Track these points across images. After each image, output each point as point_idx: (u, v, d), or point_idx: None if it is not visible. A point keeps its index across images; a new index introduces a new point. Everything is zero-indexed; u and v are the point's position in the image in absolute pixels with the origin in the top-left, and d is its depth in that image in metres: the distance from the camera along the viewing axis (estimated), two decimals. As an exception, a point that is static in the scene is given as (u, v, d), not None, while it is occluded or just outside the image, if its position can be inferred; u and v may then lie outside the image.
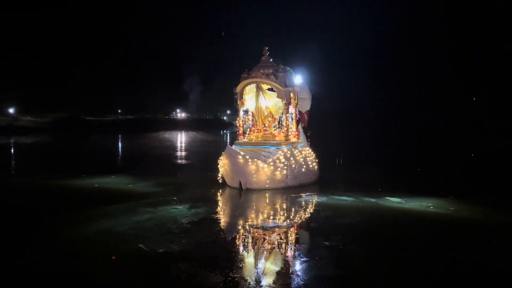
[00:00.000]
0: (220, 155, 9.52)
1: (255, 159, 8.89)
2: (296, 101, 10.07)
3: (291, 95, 9.81)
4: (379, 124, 38.07)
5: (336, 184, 10.17)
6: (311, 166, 9.86)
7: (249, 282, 4.04)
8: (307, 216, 7.06)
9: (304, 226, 6.45)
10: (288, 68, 10.03)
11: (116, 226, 6.02)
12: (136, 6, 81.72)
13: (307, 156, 9.87)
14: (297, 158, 9.47)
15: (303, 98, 10.72)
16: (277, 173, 9.02)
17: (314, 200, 8.26)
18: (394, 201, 8.04)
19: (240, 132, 10.58)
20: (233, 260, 4.69)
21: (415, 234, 5.85)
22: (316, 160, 10.32)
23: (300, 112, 10.62)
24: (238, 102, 10.24)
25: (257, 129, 10.28)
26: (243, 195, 8.60)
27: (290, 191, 8.90)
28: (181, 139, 34.35)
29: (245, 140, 10.20)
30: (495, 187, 10.33)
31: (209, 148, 25.38)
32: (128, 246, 5.09)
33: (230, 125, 71.10)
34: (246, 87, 10.11)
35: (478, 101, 42.84)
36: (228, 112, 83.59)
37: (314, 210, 7.51)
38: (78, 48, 63.49)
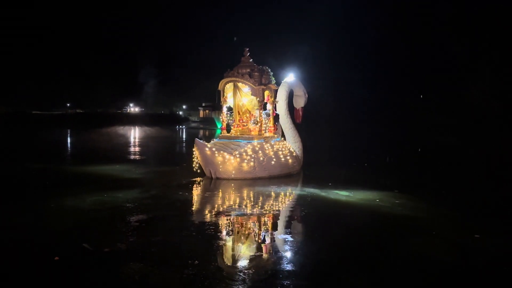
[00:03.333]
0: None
1: (222, 151, 9.77)
2: (273, 99, 10.93)
3: (267, 93, 10.70)
4: (342, 120, 39.05)
5: (302, 178, 10.79)
6: (283, 159, 10.54)
7: (206, 278, 4.03)
8: (258, 208, 7.24)
9: (254, 219, 6.55)
10: (266, 68, 10.84)
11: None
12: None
13: (279, 150, 10.58)
14: (267, 151, 10.22)
15: (298, 95, 11.60)
16: (244, 164, 9.82)
17: (272, 192, 8.62)
18: (343, 194, 8.41)
19: (223, 127, 11.45)
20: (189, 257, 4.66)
21: (360, 226, 6.16)
22: (293, 154, 11.00)
23: (295, 108, 11.61)
24: (221, 99, 11.08)
25: (237, 124, 11.16)
26: (213, 183, 9.55)
27: (258, 182, 9.53)
28: (135, 134, 33.45)
29: (226, 134, 11.06)
30: (438, 181, 10.97)
31: (165, 143, 24.97)
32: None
33: (186, 120, 70.33)
34: (227, 85, 10.94)
35: (426, 99, 45.08)
36: (184, 107, 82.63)
37: (265, 201, 7.77)
38: (24, 37, 60.04)
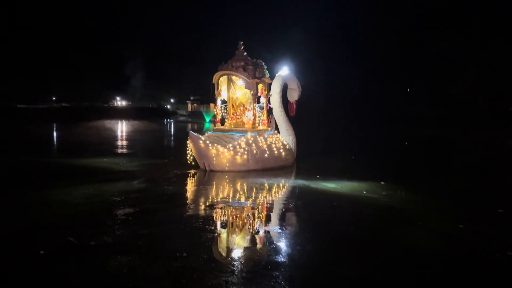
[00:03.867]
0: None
1: (215, 144, 9.90)
2: (266, 92, 11.03)
3: (261, 86, 10.79)
4: (332, 113, 39.22)
5: (294, 170, 10.93)
6: (276, 152, 10.68)
7: (195, 270, 4.03)
8: (248, 199, 7.32)
9: (244, 211, 6.57)
10: (260, 61, 10.88)
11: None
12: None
13: (272, 143, 10.71)
14: (260, 144, 10.34)
15: (292, 89, 11.69)
16: (237, 157, 9.95)
17: (264, 184, 8.74)
18: (331, 186, 8.52)
19: (218, 120, 11.47)
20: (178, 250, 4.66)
21: (347, 217, 6.24)
22: (286, 147, 11.13)
23: (288, 102, 11.70)
24: (215, 92, 11.12)
25: (231, 117, 11.25)
26: (206, 175, 9.64)
27: (252, 175, 9.67)
28: (122, 128, 33.13)
29: (221, 127, 11.13)
30: (425, 172, 11.13)
31: (153, 137, 24.79)
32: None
33: (175, 113, 69.90)
34: (221, 78, 10.98)
35: (412, 93, 45.56)
36: (172, 100, 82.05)
37: (256, 193, 7.83)
38: (7, 30, 58.73)
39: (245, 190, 8.12)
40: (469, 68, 38.49)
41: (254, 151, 10.16)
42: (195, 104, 74.34)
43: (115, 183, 8.52)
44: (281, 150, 10.86)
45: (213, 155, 9.85)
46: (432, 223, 5.85)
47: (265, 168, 10.32)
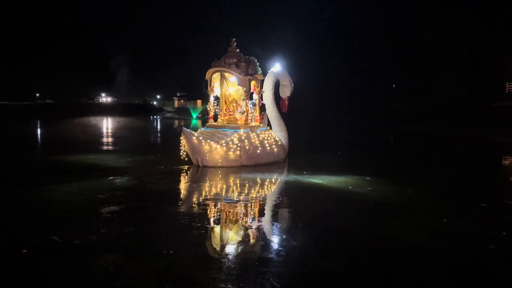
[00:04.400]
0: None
1: (208, 140, 9.98)
2: (259, 89, 11.11)
3: (254, 83, 10.88)
4: (321, 109, 39.36)
5: (286, 166, 11.01)
6: (268, 148, 10.79)
7: (182, 268, 4.01)
8: (240, 195, 7.32)
9: (232, 207, 6.57)
10: (252, 58, 10.97)
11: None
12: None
13: (265, 139, 10.82)
14: (252, 140, 10.43)
15: (284, 85, 11.79)
16: (230, 153, 10.07)
17: (257, 179, 8.82)
18: (318, 182, 8.60)
19: (211, 116, 11.55)
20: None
21: (333, 212, 6.33)
22: (278, 143, 11.22)
23: (281, 98, 11.80)
24: (208, 88, 11.17)
25: (224, 114, 11.34)
26: (199, 171, 9.72)
27: (244, 170, 9.75)
28: (107, 125, 32.75)
29: (214, 123, 11.21)
30: (409, 167, 11.27)
31: (140, 134, 24.57)
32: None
33: (161, 110, 69.28)
34: (214, 75, 11.04)
35: (397, 89, 46.03)
36: (158, 97, 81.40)
37: (249, 188, 7.94)
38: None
39: (237, 186, 8.14)
40: (453, 65, 39.04)
41: (247, 147, 10.26)
42: (182, 101, 73.85)
43: (100, 180, 8.43)
44: (274, 146, 10.97)
45: (206, 151, 9.94)
46: (416, 217, 5.94)
47: (257, 163, 10.43)
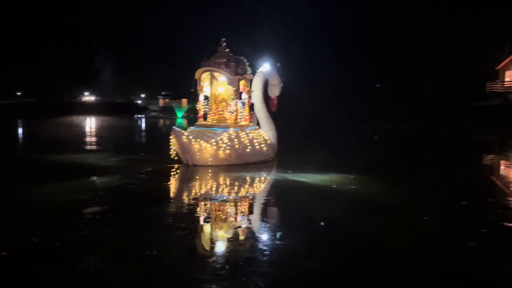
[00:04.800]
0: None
1: (198, 139, 10.05)
2: (248, 88, 11.20)
3: (243, 82, 10.98)
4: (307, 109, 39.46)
5: (275, 164, 11.15)
6: (257, 147, 10.88)
7: (166, 269, 3.98)
8: (222, 194, 7.39)
9: (219, 207, 6.55)
10: (242, 58, 11.12)
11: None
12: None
13: (254, 138, 10.91)
14: (242, 139, 10.52)
15: (273, 84, 11.87)
16: (220, 152, 10.15)
17: (246, 178, 8.92)
18: (302, 180, 8.69)
19: (200, 115, 11.59)
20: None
21: (317, 210, 6.36)
22: (268, 142, 11.30)
23: (270, 97, 11.88)
24: (198, 87, 11.25)
25: (213, 113, 11.40)
26: (189, 170, 9.79)
27: (233, 168, 9.86)
28: (91, 124, 32.28)
29: (203, 122, 11.30)
30: (392, 166, 11.40)
31: (124, 133, 24.29)
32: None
33: (145, 109, 68.59)
34: (203, 74, 11.12)
35: (382, 89, 46.47)
36: (143, 95, 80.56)
37: (235, 186, 8.06)
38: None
39: (226, 185, 8.19)
40: (437, 65, 39.66)
41: (236, 146, 10.34)
42: (167, 99, 73.20)
43: (82, 181, 8.27)
44: (263, 145, 11.06)
45: (196, 150, 10.00)
46: (398, 215, 6.02)
47: (247, 162, 10.50)
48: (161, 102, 75.06)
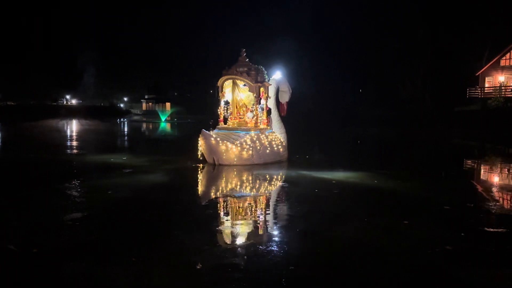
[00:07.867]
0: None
1: (225, 141, 11.01)
2: (266, 95, 12.17)
3: (262, 89, 11.92)
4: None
5: (291, 163, 12.12)
6: (275, 148, 11.98)
7: (153, 275, 3.92)
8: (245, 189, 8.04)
9: (206, 209, 6.49)
10: (261, 67, 12.10)
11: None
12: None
13: (272, 140, 11.99)
14: (263, 141, 11.57)
15: (283, 91, 12.97)
16: (244, 153, 11.12)
17: (267, 175, 9.82)
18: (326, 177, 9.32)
19: (221, 119, 12.67)
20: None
21: (293, 215, 6.40)
22: (283, 143, 12.42)
23: (280, 103, 12.98)
24: (220, 94, 12.31)
25: (234, 117, 12.47)
26: (216, 169, 10.71)
27: (255, 168, 10.84)
28: (72, 128, 31.68)
29: (224, 125, 12.38)
30: (372, 170, 11.42)
31: (105, 137, 23.92)
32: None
33: (128, 113, 67.85)
34: (226, 82, 12.10)
35: (365, 94, 47.02)
36: (126, 99, 79.68)
37: (264, 182, 8.87)
38: None
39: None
40: (418, 71, 40.35)
41: (258, 148, 11.33)
42: (150, 103, 72.68)
43: (61, 185, 7.99)
44: (280, 147, 12.18)
45: (222, 151, 10.93)
46: (377, 219, 6.07)
47: (266, 162, 11.52)
48: (144, 105, 74.54)
